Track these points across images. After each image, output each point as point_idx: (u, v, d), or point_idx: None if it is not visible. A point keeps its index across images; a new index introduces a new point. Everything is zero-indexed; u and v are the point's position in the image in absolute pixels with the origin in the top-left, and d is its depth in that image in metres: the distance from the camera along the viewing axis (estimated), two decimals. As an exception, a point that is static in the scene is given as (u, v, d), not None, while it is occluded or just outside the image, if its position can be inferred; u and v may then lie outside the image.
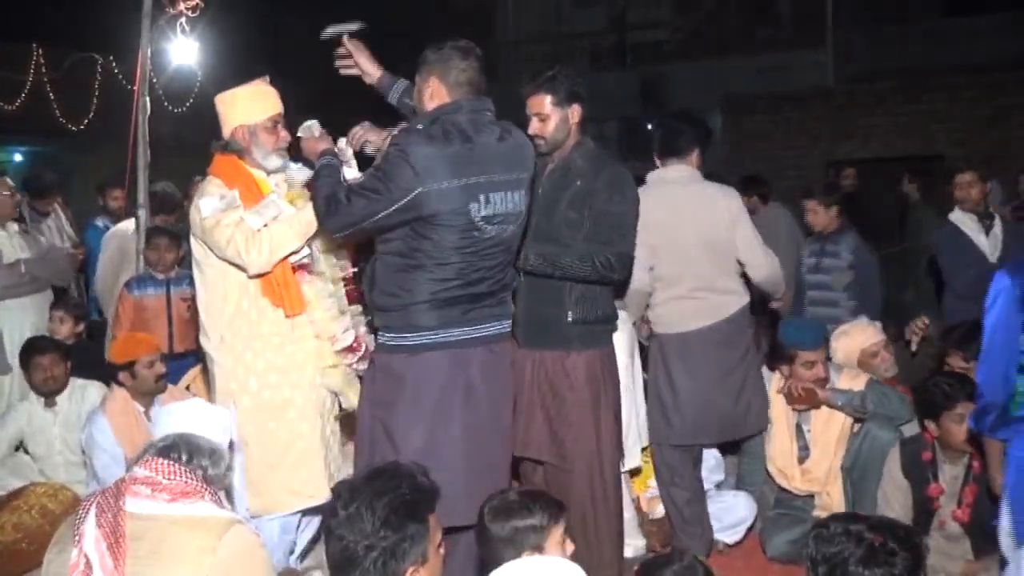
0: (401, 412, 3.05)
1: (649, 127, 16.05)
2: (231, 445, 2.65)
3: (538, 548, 2.47)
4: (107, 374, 4.70)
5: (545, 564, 2.21)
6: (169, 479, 2.41)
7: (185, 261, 5.70)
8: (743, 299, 4.02)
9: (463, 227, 2.97)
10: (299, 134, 3.43)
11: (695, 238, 3.88)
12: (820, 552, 2.20)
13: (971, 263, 5.18)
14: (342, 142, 3.37)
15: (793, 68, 13.60)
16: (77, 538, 2.36)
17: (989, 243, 5.31)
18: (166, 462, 2.44)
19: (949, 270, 5.43)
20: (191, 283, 5.36)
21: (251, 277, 3.40)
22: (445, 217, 2.94)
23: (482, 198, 2.97)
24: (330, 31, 3.53)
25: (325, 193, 3.07)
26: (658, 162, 4.10)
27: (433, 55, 3.12)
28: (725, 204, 3.93)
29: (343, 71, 3.63)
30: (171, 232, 5.60)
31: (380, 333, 3.16)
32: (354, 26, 3.56)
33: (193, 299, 5.29)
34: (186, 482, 2.42)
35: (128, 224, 6.29)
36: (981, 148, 10.67)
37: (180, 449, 2.49)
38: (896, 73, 12.40)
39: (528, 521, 2.48)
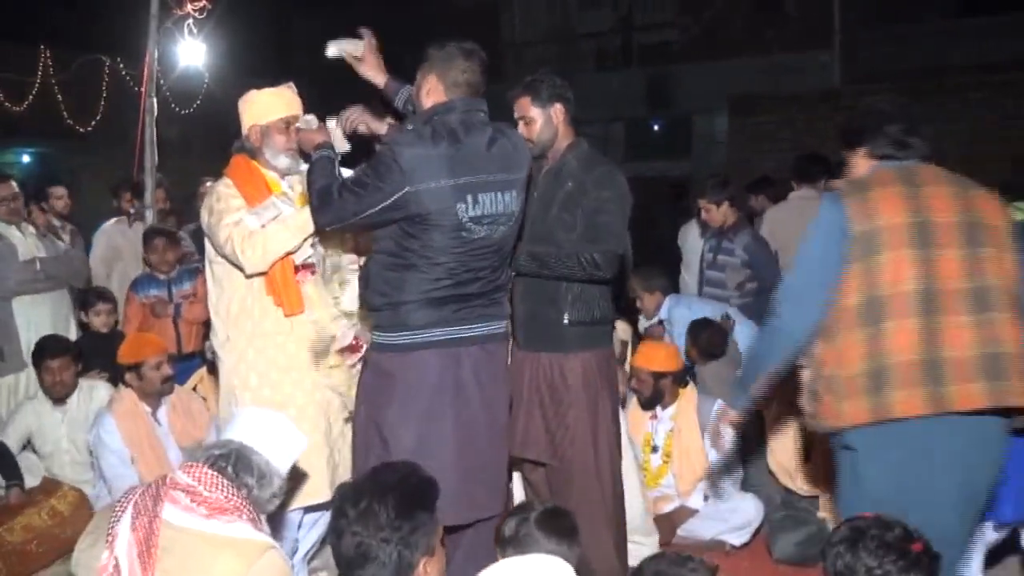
0: (392, 412, 3.05)
1: (656, 128, 16.12)
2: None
3: None
4: (115, 373, 4.72)
5: (534, 562, 2.21)
6: (211, 491, 2.36)
7: (186, 259, 5.76)
8: None
9: (452, 227, 2.95)
10: (298, 126, 3.45)
11: None
12: (862, 562, 2.11)
13: None
14: (331, 123, 3.37)
15: (800, 69, 13.58)
16: (110, 538, 2.34)
17: None
18: (211, 472, 2.39)
19: None
20: (191, 278, 5.42)
21: (248, 277, 3.43)
22: (433, 217, 2.93)
23: (470, 199, 2.95)
24: (333, 50, 3.52)
25: (318, 187, 3.08)
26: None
27: (436, 52, 3.10)
28: None
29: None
30: (167, 232, 5.65)
31: (373, 332, 3.17)
32: (357, 44, 3.53)
33: (194, 295, 5.35)
34: (227, 497, 2.37)
35: (115, 222, 6.35)
36: (988, 149, 10.64)
37: (231, 461, 2.44)
38: (903, 74, 12.36)
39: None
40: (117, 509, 2.41)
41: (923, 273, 2.54)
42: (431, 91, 3.08)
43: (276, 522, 3.42)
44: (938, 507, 2.54)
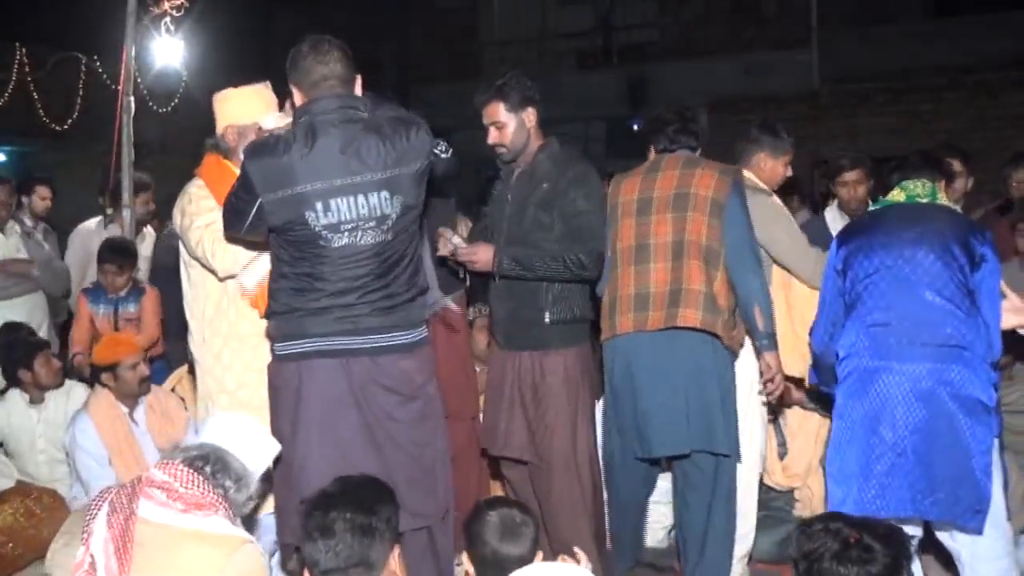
0: (272, 421, 3.04)
1: (635, 127, 16.15)
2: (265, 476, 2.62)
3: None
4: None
5: (559, 571, 2.24)
6: (186, 488, 2.36)
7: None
8: None
9: (308, 237, 2.85)
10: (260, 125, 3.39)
11: None
12: (800, 549, 2.23)
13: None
14: None
15: (778, 69, 13.64)
16: (86, 535, 2.33)
17: None
18: (188, 470, 2.40)
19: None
20: (136, 299, 5.36)
21: (221, 279, 3.40)
22: (287, 228, 2.86)
23: (320, 206, 2.81)
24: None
25: (227, 194, 3.04)
26: None
27: (288, 62, 2.96)
28: None
29: None
30: (125, 253, 5.46)
31: None
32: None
33: (137, 319, 5.32)
34: (203, 493, 2.38)
35: (90, 223, 6.29)
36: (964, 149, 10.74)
37: (209, 462, 2.45)
38: (881, 74, 12.46)
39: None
40: (92, 507, 2.40)
41: (640, 233, 3.52)
42: (298, 100, 2.97)
43: (253, 526, 3.41)
44: (644, 408, 3.47)
